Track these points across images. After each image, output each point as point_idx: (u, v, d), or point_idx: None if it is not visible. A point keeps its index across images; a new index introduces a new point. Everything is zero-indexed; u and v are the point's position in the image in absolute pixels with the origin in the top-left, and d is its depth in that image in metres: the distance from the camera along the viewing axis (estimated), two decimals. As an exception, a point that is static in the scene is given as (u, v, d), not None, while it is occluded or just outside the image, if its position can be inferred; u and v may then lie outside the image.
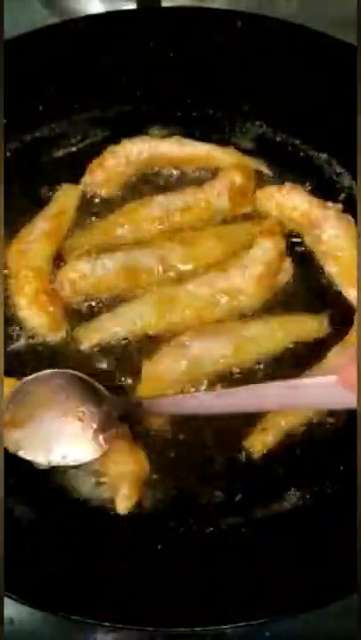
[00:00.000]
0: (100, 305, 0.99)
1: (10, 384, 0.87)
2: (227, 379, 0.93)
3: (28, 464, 0.87)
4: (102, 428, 0.83)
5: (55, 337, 0.96)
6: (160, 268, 1.00)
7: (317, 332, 0.97)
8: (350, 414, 0.91)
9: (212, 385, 0.92)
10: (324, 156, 1.15)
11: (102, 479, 0.86)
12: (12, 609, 0.85)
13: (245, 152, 1.15)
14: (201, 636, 0.81)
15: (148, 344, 0.95)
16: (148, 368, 0.91)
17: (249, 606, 0.73)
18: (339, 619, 0.84)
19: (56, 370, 0.87)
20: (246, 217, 1.09)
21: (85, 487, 0.86)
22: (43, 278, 0.99)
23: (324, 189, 1.10)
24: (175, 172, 1.14)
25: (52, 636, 0.87)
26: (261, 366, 0.94)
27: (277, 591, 0.75)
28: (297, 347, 0.96)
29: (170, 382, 0.90)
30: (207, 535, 0.82)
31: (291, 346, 0.96)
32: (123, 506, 0.83)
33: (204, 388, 0.92)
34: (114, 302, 0.99)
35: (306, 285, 1.02)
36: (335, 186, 1.13)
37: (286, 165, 1.14)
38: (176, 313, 0.96)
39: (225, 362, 0.93)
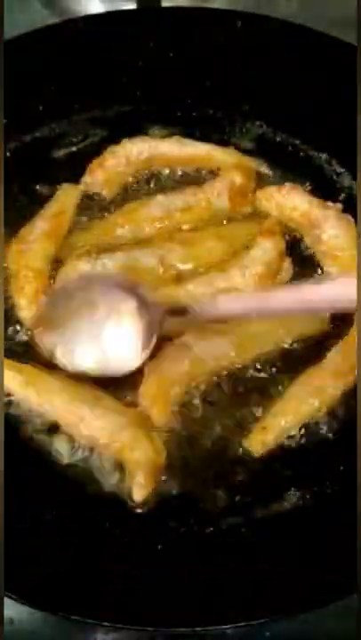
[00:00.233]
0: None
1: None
2: (228, 377, 0.93)
3: (29, 464, 0.87)
4: (143, 336, 0.79)
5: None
6: (160, 268, 1.00)
7: (319, 330, 0.97)
8: (350, 414, 0.91)
9: (214, 384, 0.92)
10: (324, 155, 1.16)
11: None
12: (12, 609, 0.85)
13: (245, 152, 1.15)
14: (201, 636, 0.80)
15: (149, 344, 0.95)
16: (150, 368, 0.91)
17: (249, 606, 0.73)
18: (339, 619, 0.84)
19: (97, 273, 0.84)
20: (246, 217, 1.09)
21: (87, 484, 0.86)
22: (43, 278, 0.99)
23: (324, 189, 1.11)
24: (175, 172, 1.14)
25: (52, 636, 0.87)
26: (263, 365, 0.94)
27: (277, 591, 0.75)
28: (298, 346, 0.96)
29: (172, 381, 0.90)
30: (207, 535, 0.82)
31: (292, 344, 0.96)
32: (139, 494, 0.83)
33: (205, 387, 0.92)
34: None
35: (306, 285, 1.02)
36: (335, 186, 1.13)
37: (286, 165, 1.14)
38: (176, 313, 0.96)
39: (227, 360, 0.93)
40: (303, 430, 0.90)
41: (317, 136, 1.15)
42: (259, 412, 0.91)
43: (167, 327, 0.83)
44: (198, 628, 0.72)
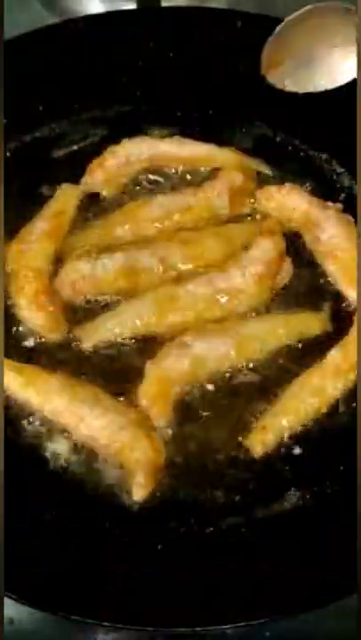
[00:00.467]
0: (101, 305, 0.99)
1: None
2: (228, 377, 0.93)
3: (29, 464, 0.87)
4: None
5: (55, 337, 0.96)
6: (160, 268, 1.00)
7: (319, 329, 0.97)
8: (350, 414, 0.91)
9: (214, 384, 0.93)
10: (324, 155, 1.16)
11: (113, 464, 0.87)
12: (12, 609, 0.85)
13: (245, 152, 1.15)
14: (201, 636, 0.81)
15: (149, 344, 0.95)
16: (150, 367, 0.91)
17: (249, 606, 0.74)
18: (339, 619, 0.84)
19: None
20: (246, 217, 1.09)
21: (87, 484, 0.86)
22: (43, 278, 0.99)
23: (324, 189, 1.11)
24: (175, 172, 1.14)
25: (52, 636, 0.87)
26: (263, 365, 0.94)
27: (277, 591, 0.75)
28: (298, 346, 0.96)
29: (173, 381, 0.90)
30: (207, 535, 0.82)
31: (292, 344, 0.96)
32: (139, 494, 0.83)
33: (205, 387, 0.92)
34: (114, 302, 0.99)
35: (306, 285, 1.02)
36: (335, 186, 1.13)
37: (286, 165, 1.14)
38: (176, 313, 0.96)
39: (227, 360, 0.93)
40: (303, 430, 0.90)
41: (317, 136, 1.15)
42: (259, 411, 0.91)
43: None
44: (198, 628, 0.72)
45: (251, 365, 0.94)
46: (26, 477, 0.86)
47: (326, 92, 1.12)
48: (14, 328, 0.97)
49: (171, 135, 1.14)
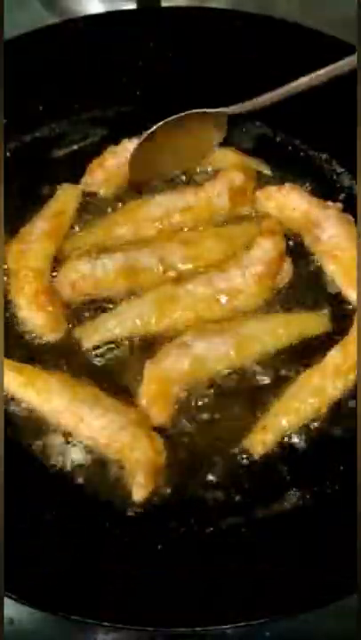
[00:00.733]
0: (100, 305, 0.99)
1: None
2: (228, 377, 0.93)
3: (29, 464, 0.87)
4: None
5: (55, 337, 0.96)
6: (160, 268, 1.00)
7: (319, 329, 0.97)
8: (350, 415, 0.91)
9: (214, 384, 0.93)
10: (324, 155, 1.16)
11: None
12: (12, 609, 0.85)
13: (245, 152, 1.15)
14: (201, 636, 0.81)
15: (149, 344, 0.95)
16: (150, 367, 0.91)
17: (249, 606, 0.73)
18: (339, 619, 0.84)
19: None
20: (246, 217, 1.09)
21: (87, 484, 0.86)
22: (43, 278, 0.99)
23: (324, 189, 1.11)
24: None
25: (51, 636, 0.87)
26: (263, 365, 0.94)
27: (277, 591, 0.75)
28: (298, 346, 0.96)
29: (173, 381, 0.90)
30: (207, 535, 0.82)
31: (292, 344, 0.96)
32: (139, 494, 0.83)
33: (205, 387, 0.92)
34: (114, 302, 0.99)
35: (306, 285, 1.02)
36: (335, 186, 1.13)
37: (286, 165, 1.14)
38: (176, 313, 0.96)
39: (227, 360, 0.93)
40: (303, 430, 0.90)
41: (317, 136, 1.15)
42: (259, 411, 0.91)
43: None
44: (198, 628, 0.72)
45: (251, 365, 0.94)
46: (26, 477, 0.86)
47: (326, 92, 1.12)
48: (14, 328, 0.97)
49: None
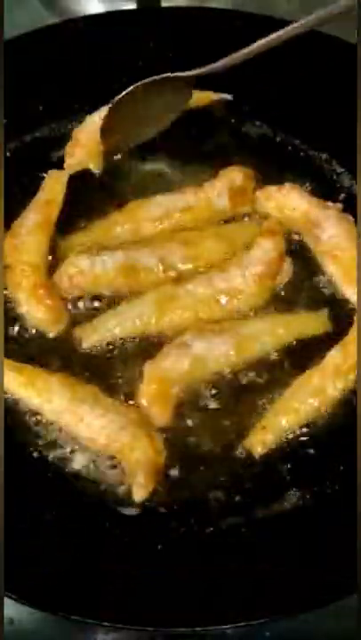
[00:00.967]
0: (100, 304, 0.99)
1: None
2: (228, 377, 0.93)
3: (28, 464, 0.87)
4: None
5: (57, 329, 0.96)
6: (160, 268, 1.00)
7: (319, 329, 0.97)
8: (350, 415, 0.91)
9: (214, 384, 0.93)
10: (324, 155, 1.16)
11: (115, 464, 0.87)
12: (12, 609, 0.85)
13: (245, 152, 1.15)
14: (201, 636, 0.81)
15: (149, 343, 0.95)
16: (150, 367, 0.91)
17: (249, 606, 0.73)
18: (339, 619, 0.84)
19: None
20: (246, 217, 1.09)
21: (87, 484, 0.86)
22: (40, 272, 0.99)
23: (324, 189, 1.11)
24: (175, 171, 1.14)
25: (51, 636, 0.87)
26: (263, 365, 0.94)
27: (277, 591, 0.75)
28: (297, 346, 0.96)
29: (173, 381, 0.90)
30: (207, 535, 0.82)
31: (292, 344, 0.96)
32: (139, 494, 0.83)
33: (205, 387, 0.92)
34: (114, 302, 0.99)
35: (306, 285, 1.02)
36: (335, 186, 1.13)
37: (286, 165, 1.14)
38: (176, 313, 0.96)
39: (227, 360, 0.93)
40: (303, 430, 0.90)
41: (317, 136, 1.15)
42: (259, 411, 0.91)
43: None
44: (198, 628, 0.72)
45: (251, 365, 0.94)
46: (26, 477, 0.86)
47: (326, 92, 1.12)
48: (14, 328, 0.97)
49: (171, 136, 1.14)
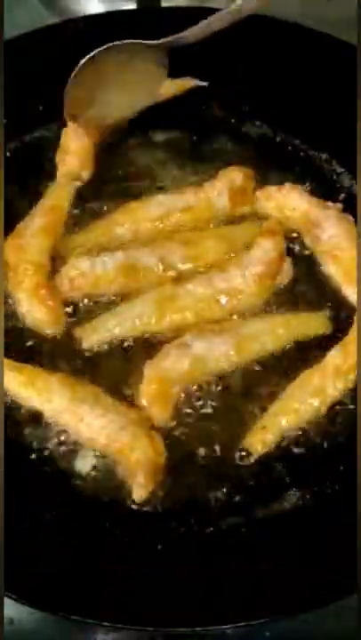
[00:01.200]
0: (100, 304, 0.99)
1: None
2: (228, 378, 0.93)
3: (29, 464, 0.87)
4: None
5: (55, 331, 0.96)
6: (160, 268, 1.00)
7: (319, 329, 0.97)
8: (350, 414, 0.91)
9: (214, 384, 0.93)
10: (324, 155, 1.16)
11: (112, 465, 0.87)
12: (12, 609, 0.85)
13: (245, 152, 1.15)
14: (201, 636, 0.81)
15: (149, 344, 0.95)
16: (150, 367, 0.91)
17: (249, 606, 0.73)
18: (339, 619, 0.84)
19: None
20: (246, 217, 1.09)
21: (87, 484, 0.86)
22: (42, 273, 0.99)
23: (324, 189, 1.11)
24: (176, 172, 1.14)
25: (51, 636, 0.87)
26: (263, 365, 0.94)
27: (277, 591, 0.75)
28: (297, 346, 0.96)
29: (172, 381, 0.90)
30: (207, 535, 0.82)
31: (292, 345, 0.96)
32: (138, 494, 0.83)
33: (205, 387, 0.92)
34: (114, 302, 0.99)
35: (306, 285, 1.02)
36: (335, 186, 1.13)
37: (286, 165, 1.15)
38: (176, 313, 0.96)
39: (227, 360, 0.93)
40: (303, 430, 0.90)
41: (317, 136, 1.15)
42: (258, 411, 0.91)
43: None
44: (198, 628, 0.72)
45: (250, 365, 0.94)
46: (26, 477, 0.86)
47: (326, 92, 1.12)
48: (14, 327, 0.97)
49: (171, 136, 1.15)
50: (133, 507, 0.84)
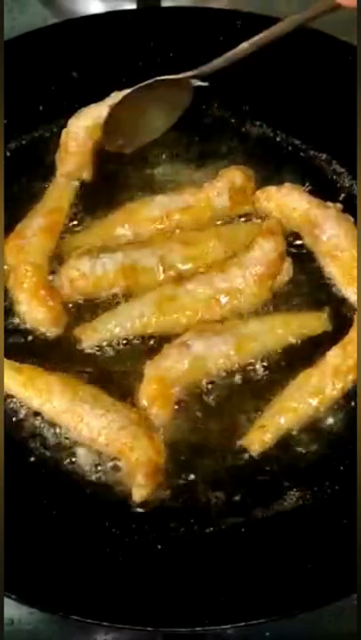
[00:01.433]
0: (100, 304, 0.99)
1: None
2: (228, 377, 0.93)
3: (28, 464, 0.87)
4: None
5: (55, 332, 0.96)
6: (160, 268, 1.00)
7: (318, 329, 0.97)
8: (350, 414, 0.91)
9: (214, 384, 0.93)
10: (324, 155, 1.16)
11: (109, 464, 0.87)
12: (12, 609, 0.85)
13: (246, 152, 1.15)
14: (201, 636, 0.81)
15: (149, 344, 0.95)
16: (150, 367, 0.91)
17: (249, 606, 0.73)
18: (339, 619, 0.84)
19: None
20: (246, 217, 1.09)
21: (87, 484, 0.86)
22: (42, 273, 0.99)
23: (324, 189, 1.11)
24: (176, 172, 1.14)
25: (51, 636, 0.87)
26: (263, 364, 0.94)
27: (277, 591, 0.75)
28: (297, 346, 0.96)
29: (172, 381, 0.90)
30: (207, 535, 0.82)
31: (292, 344, 0.96)
32: (138, 494, 0.83)
33: (205, 387, 0.92)
34: (114, 302, 0.99)
35: (306, 285, 1.02)
36: (335, 186, 1.13)
37: (286, 165, 1.14)
38: (176, 313, 0.96)
39: (227, 360, 0.93)
40: (303, 430, 0.90)
41: (317, 136, 1.15)
42: (258, 411, 0.91)
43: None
44: (198, 628, 0.72)
45: (250, 365, 0.94)
46: (26, 477, 0.86)
47: (326, 92, 1.12)
48: (14, 327, 0.97)
49: (171, 136, 1.14)
50: (133, 507, 0.84)
